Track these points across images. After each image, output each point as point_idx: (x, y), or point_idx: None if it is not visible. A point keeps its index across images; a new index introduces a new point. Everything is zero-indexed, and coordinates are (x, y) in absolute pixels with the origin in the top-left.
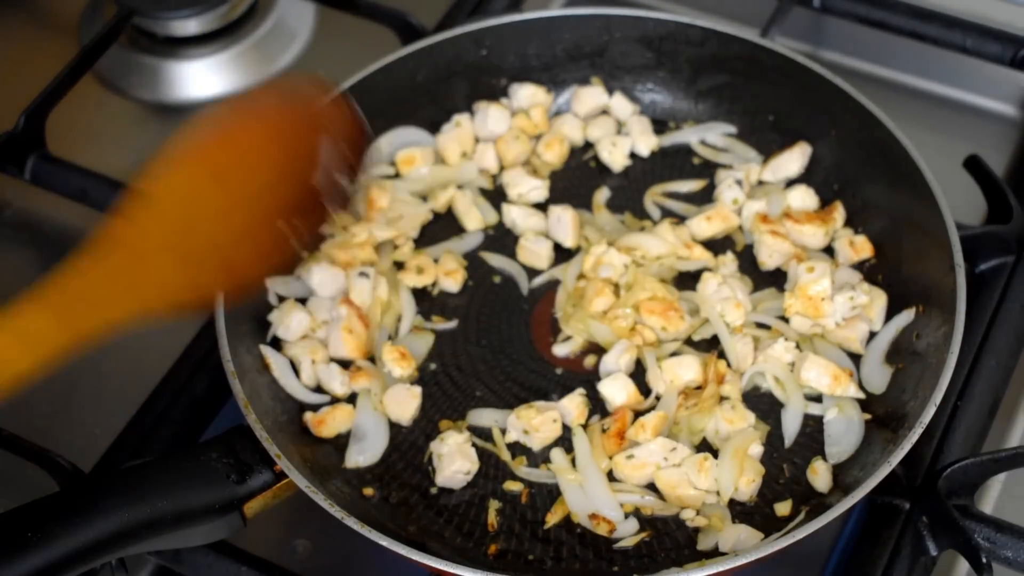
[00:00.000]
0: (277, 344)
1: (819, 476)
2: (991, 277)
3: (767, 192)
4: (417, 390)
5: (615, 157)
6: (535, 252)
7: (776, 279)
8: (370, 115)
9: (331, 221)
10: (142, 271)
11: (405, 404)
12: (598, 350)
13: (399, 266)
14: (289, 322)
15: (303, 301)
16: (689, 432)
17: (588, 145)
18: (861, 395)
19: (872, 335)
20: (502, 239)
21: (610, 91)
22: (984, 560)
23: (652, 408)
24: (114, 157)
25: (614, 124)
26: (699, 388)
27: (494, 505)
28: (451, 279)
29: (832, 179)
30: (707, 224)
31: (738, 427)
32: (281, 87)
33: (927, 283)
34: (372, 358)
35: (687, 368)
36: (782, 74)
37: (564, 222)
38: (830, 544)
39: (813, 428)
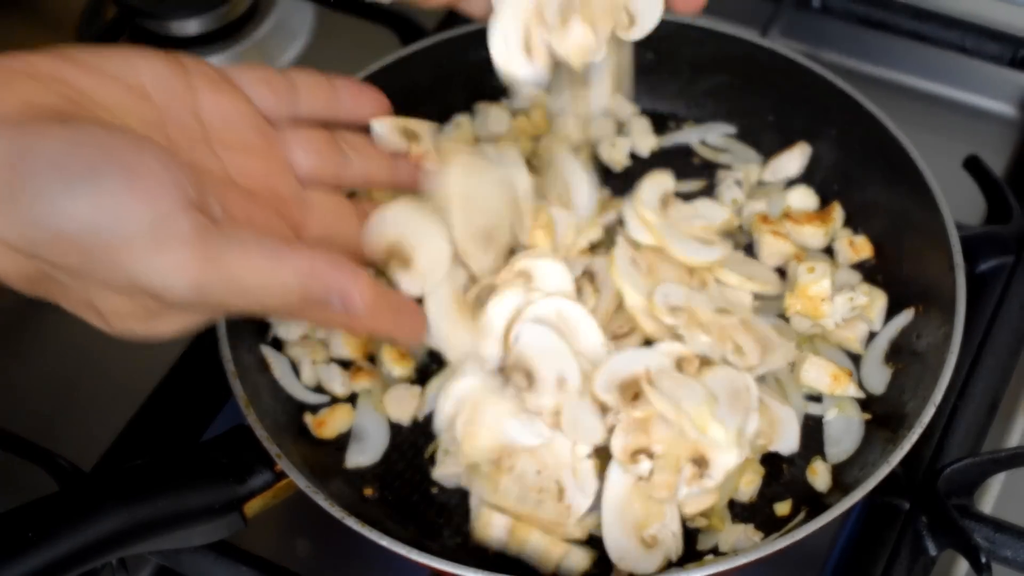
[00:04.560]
0: (277, 344)
1: (819, 476)
2: (991, 277)
3: (767, 192)
4: (417, 390)
5: (615, 157)
6: None
7: None
8: None
9: None
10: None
11: (405, 404)
12: None
13: None
14: (289, 322)
15: None
16: None
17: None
18: (861, 395)
19: (872, 335)
20: None
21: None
22: (983, 560)
23: None
24: None
25: (614, 124)
26: None
27: None
28: None
29: (832, 179)
30: None
31: None
32: None
33: (927, 283)
34: (372, 358)
35: None
36: (782, 74)
37: (564, 223)
38: (830, 544)
39: (813, 428)
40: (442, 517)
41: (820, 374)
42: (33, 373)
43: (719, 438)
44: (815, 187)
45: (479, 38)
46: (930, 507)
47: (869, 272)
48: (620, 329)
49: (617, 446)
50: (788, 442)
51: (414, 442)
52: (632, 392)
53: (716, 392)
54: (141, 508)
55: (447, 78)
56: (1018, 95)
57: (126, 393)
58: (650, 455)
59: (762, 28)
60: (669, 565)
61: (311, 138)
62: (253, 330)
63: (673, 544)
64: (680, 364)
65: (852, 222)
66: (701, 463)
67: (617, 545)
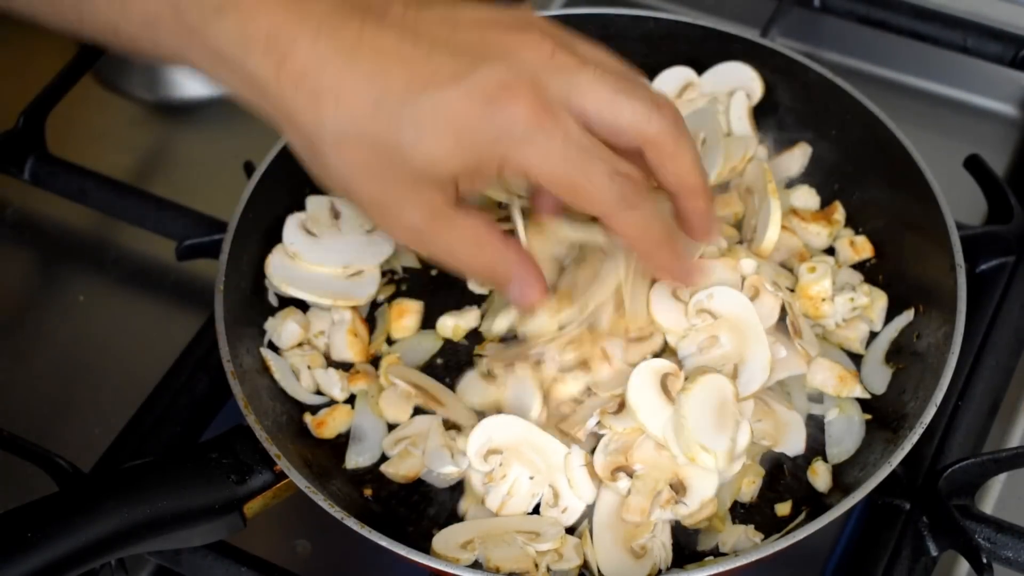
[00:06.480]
0: (276, 346)
1: (819, 476)
2: (991, 277)
3: None
4: (412, 390)
5: None
6: None
7: None
8: None
9: None
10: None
11: (400, 405)
12: None
13: None
14: (282, 331)
15: (304, 307)
16: None
17: None
18: (867, 395)
19: (872, 335)
20: None
21: None
22: (984, 560)
23: None
24: (114, 157)
25: None
26: None
27: None
28: None
29: (832, 179)
30: None
31: None
32: None
33: (927, 283)
34: (375, 360)
35: None
36: (782, 74)
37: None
38: (830, 544)
39: (814, 428)
40: (442, 517)
41: (827, 376)
42: (33, 373)
43: (708, 465)
44: (815, 187)
45: None
46: (931, 507)
47: (869, 272)
48: (642, 332)
49: (599, 462)
50: (793, 444)
51: None
52: (617, 403)
53: (703, 408)
54: (141, 508)
55: None
56: (1019, 95)
57: (126, 393)
58: (630, 474)
59: (762, 28)
60: (659, 574)
61: None
62: (252, 331)
63: (662, 554)
64: (664, 381)
65: (852, 222)
66: (679, 489)
67: (606, 556)
